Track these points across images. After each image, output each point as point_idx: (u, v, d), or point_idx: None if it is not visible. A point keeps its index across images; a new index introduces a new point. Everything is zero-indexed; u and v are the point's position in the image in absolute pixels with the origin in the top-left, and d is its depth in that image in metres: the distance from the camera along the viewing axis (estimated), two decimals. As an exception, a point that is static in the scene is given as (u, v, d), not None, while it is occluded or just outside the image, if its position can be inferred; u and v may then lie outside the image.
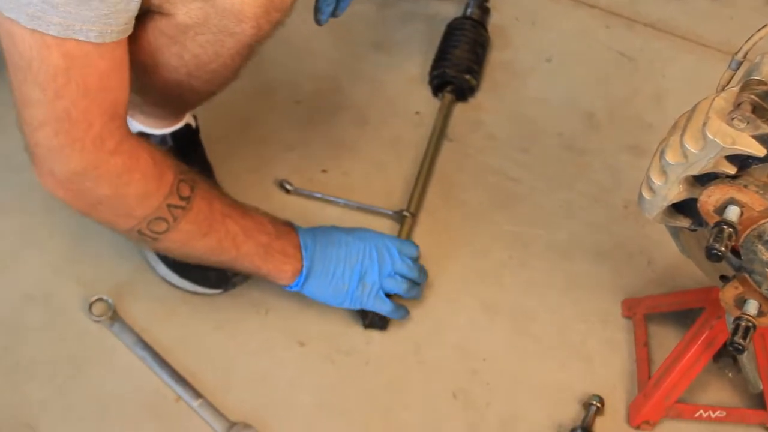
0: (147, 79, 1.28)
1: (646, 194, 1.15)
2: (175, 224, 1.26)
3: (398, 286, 1.46)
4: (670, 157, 1.10)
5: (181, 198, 1.25)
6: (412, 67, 1.80)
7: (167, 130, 1.49)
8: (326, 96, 1.76)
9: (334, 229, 1.45)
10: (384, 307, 1.45)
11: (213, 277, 1.49)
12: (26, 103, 1.14)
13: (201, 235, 1.29)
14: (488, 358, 1.50)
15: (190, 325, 1.49)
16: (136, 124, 1.48)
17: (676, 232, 1.27)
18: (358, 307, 1.44)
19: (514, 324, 1.53)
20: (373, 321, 1.49)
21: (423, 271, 1.50)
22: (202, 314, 1.50)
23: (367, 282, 1.43)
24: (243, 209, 1.36)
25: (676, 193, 1.13)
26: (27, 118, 1.15)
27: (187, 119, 1.51)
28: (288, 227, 1.41)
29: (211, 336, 1.48)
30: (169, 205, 1.24)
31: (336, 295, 1.42)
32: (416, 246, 1.50)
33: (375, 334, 1.50)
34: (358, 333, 1.50)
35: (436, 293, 1.55)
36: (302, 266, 1.39)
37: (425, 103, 1.76)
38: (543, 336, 1.52)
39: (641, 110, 1.78)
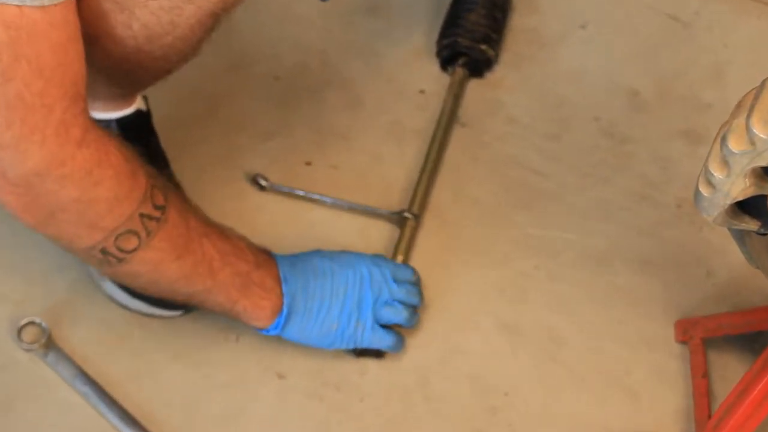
0: (88, 53, 1.27)
1: (704, 190, 1.13)
2: (148, 240, 1.25)
3: (398, 315, 1.46)
4: (734, 145, 1.08)
5: (156, 207, 1.24)
6: (416, 36, 1.80)
7: (113, 114, 1.48)
8: (311, 72, 1.76)
9: (315, 255, 1.45)
10: (384, 342, 1.46)
11: (171, 295, 1.47)
12: None
13: (175, 257, 1.28)
14: (510, 393, 1.50)
15: (144, 353, 1.49)
16: None
17: (741, 237, 1.25)
18: (352, 346, 1.45)
19: (542, 350, 1.53)
20: (367, 348, 1.48)
21: (420, 295, 1.51)
22: (158, 341, 1.50)
23: (361, 317, 1.43)
24: (219, 229, 1.36)
25: (741, 188, 1.11)
26: None
27: (138, 103, 1.50)
28: (266, 255, 1.41)
29: (170, 367, 1.48)
30: (142, 215, 1.23)
31: (324, 336, 1.43)
32: (412, 269, 1.50)
33: (370, 364, 1.50)
34: (349, 363, 1.50)
35: (446, 313, 1.54)
36: (282, 303, 1.39)
37: (432, 79, 1.76)
38: (577, 365, 1.52)
39: (697, 87, 1.78)
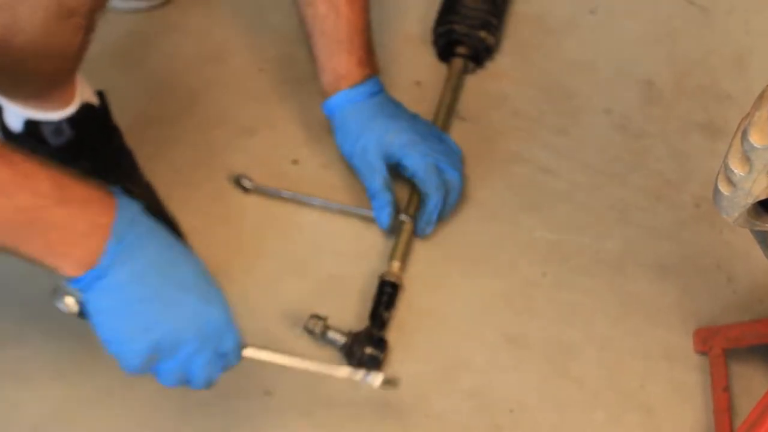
0: None
1: (723, 189, 1.14)
2: None
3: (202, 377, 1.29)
4: (756, 139, 1.09)
5: None
6: (410, 23, 1.81)
7: (55, 115, 1.48)
8: (297, 62, 1.76)
9: (179, 244, 1.27)
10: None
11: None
12: None
13: None
14: (516, 410, 1.50)
15: (118, 369, 1.40)
16: (20, 109, 1.47)
17: (764, 239, 1.26)
18: (137, 371, 1.25)
19: (550, 364, 1.54)
20: (363, 361, 1.49)
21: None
22: None
23: (177, 354, 1.25)
24: None
25: (763, 186, 1.12)
26: None
27: (80, 97, 1.49)
28: (100, 195, 1.20)
29: (147, 383, 1.41)
30: None
31: (130, 334, 1.22)
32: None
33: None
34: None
35: (446, 324, 1.55)
36: (99, 256, 1.19)
37: (428, 70, 1.77)
38: (588, 379, 1.53)
39: (716, 77, 1.79)
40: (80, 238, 1.17)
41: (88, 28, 1.31)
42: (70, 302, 1.20)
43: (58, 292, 1.19)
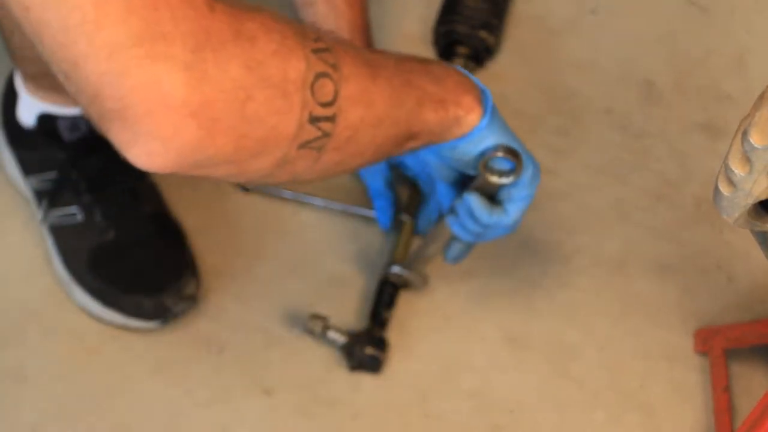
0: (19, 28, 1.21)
1: (724, 189, 1.14)
2: (338, 73, 1.10)
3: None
4: (757, 139, 1.08)
5: (315, 39, 1.10)
6: (409, 23, 1.81)
7: (76, 110, 1.48)
8: None
9: None
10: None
11: (148, 305, 1.49)
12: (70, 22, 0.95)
13: (370, 79, 1.15)
14: (516, 410, 1.51)
15: (119, 369, 1.50)
16: (37, 102, 1.48)
17: (765, 240, 1.26)
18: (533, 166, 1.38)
19: (550, 364, 1.54)
20: (363, 361, 1.50)
21: None
22: (134, 354, 1.50)
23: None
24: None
25: (764, 187, 1.12)
26: (99, 40, 0.94)
27: None
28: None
29: (148, 383, 1.49)
30: (315, 51, 1.08)
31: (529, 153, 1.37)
32: None
33: (365, 379, 1.51)
34: (342, 377, 1.51)
35: (446, 324, 1.55)
36: (480, 99, 1.29)
37: None
38: (588, 379, 1.53)
39: (717, 77, 1.79)
40: (463, 82, 1.28)
41: None
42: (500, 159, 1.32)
43: (488, 163, 1.31)
